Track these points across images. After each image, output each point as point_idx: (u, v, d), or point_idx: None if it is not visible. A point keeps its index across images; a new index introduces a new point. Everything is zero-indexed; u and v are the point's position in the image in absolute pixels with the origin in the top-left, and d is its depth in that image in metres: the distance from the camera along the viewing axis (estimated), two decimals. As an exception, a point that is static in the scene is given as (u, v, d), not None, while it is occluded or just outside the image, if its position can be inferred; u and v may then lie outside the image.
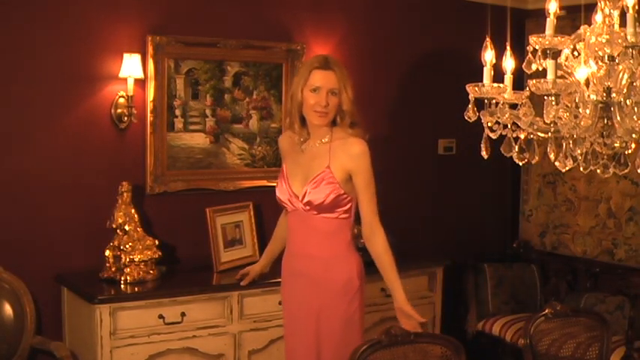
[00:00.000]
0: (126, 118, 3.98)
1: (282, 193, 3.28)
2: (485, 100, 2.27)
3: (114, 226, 3.81)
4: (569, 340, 3.09)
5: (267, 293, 3.89)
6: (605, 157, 2.18)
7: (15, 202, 3.79)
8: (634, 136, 2.10)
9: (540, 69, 2.19)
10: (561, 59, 2.21)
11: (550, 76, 2.07)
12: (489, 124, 2.28)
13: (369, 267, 3.32)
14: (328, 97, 3.15)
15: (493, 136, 2.29)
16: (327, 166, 3.16)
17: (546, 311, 3.05)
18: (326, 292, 3.21)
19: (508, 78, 2.30)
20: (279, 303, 3.90)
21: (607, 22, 2.13)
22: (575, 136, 2.14)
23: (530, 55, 2.21)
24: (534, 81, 2.07)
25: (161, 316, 3.66)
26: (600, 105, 2.07)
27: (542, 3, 2.24)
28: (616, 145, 2.14)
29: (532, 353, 2.99)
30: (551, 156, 2.18)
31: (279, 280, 3.42)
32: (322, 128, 3.22)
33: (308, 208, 3.18)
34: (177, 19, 4.14)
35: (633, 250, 4.86)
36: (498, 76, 2.30)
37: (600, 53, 2.03)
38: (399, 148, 4.88)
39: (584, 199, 5.11)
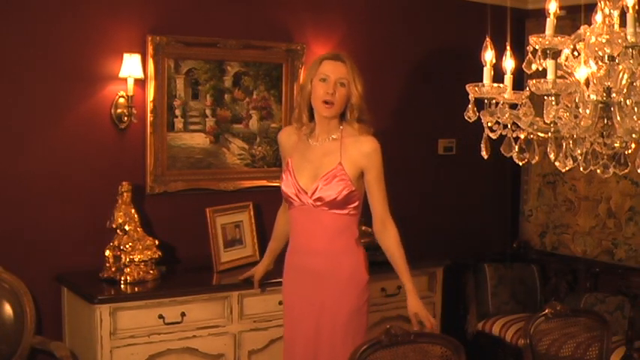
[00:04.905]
0: (126, 118, 3.98)
1: (288, 187, 3.28)
2: (485, 100, 2.26)
3: (114, 226, 3.81)
4: (569, 340, 3.09)
5: (267, 293, 3.89)
6: (605, 157, 2.18)
7: (15, 202, 3.79)
8: (634, 136, 2.09)
9: (540, 69, 2.18)
10: (561, 59, 2.21)
11: (550, 76, 2.07)
12: (489, 124, 2.28)
13: (371, 266, 3.34)
14: (336, 87, 3.18)
15: (493, 136, 2.29)
16: (338, 163, 3.18)
17: (546, 311, 3.05)
18: (331, 285, 3.21)
19: (508, 78, 2.29)
20: (280, 303, 3.90)
21: (607, 22, 2.12)
22: (575, 136, 2.14)
23: (530, 55, 2.21)
24: (534, 81, 2.07)
25: (161, 316, 3.66)
26: (600, 105, 2.07)
27: (542, 3, 2.23)
28: (616, 145, 2.14)
29: (532, 353, 2.99)
30: (551, 156, 2.18)
31: (280, 280, 3.42)
32: (331, 123, 3.23)
33: (319, 204, 3.19)
34: (177, 19, 4.14)
35: (633, 250, 4.86)
36: (498, 76, 2.30)
37: (600, 53, 2.02)
38: (399, 148, 4.87)
39: (584, 199, 5.11)
